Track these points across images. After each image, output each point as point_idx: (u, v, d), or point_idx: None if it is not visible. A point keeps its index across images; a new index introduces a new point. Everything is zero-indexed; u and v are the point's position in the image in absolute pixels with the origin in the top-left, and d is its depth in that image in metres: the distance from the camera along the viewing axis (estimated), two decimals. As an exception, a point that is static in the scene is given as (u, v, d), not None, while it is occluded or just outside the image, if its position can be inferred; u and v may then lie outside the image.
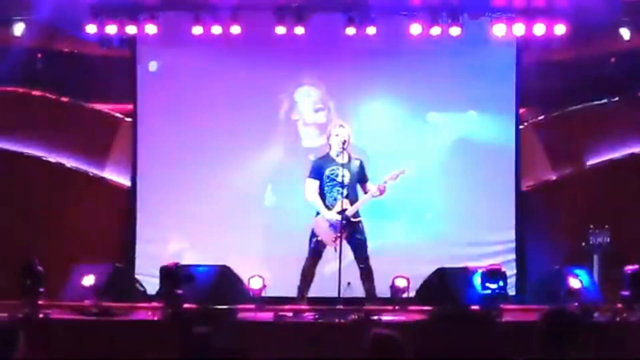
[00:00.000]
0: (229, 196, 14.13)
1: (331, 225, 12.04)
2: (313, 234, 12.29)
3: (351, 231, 12.12)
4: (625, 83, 14.06)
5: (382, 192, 12.02)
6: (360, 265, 12.25)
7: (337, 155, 12.03)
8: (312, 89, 14.23)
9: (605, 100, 14.32)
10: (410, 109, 14.29)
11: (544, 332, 5.94)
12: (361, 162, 12.27)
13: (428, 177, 14.11)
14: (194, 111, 14.25)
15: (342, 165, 11.94)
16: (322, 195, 12.14)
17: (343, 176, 11.89)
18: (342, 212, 11.91)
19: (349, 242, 12.21)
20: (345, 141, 11.97)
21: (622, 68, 14.13)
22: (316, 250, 12.24)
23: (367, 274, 12.22)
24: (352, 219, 12.00)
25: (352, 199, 12.05)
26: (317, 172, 12.18)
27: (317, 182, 12.14)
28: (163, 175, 14.21)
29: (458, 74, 14.19)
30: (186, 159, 14.17)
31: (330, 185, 12.07)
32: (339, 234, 11.88)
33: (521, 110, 14.33)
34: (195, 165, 14.18)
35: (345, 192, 11.91)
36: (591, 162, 14.31)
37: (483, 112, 14.28)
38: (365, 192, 12.17)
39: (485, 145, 14.24)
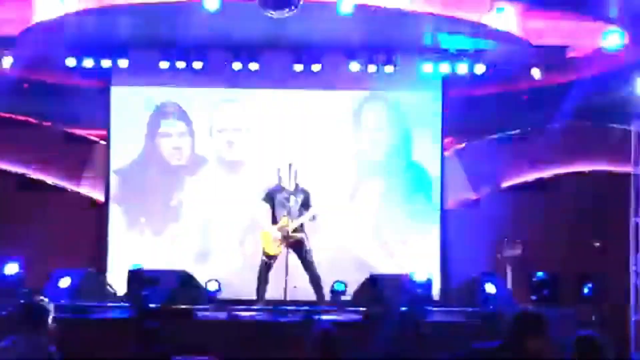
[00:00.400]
0: (189, 211, 14.19)
1: (274, 238, 12.11)
2: (262, 247, 12.37)
3: (296, 245, 12.19)
4: (535, 116, 14.20)
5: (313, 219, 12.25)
6: (309, 274, 12.29)
7: (287, 186, 12.14)
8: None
9: (518, 131, 14.45)
10: (348, 135, 14.41)
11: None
12: (307, 193, 12.36)
13: (367, 196, 14.24)
14: (160, 135, 14.33)
15: (290, 193, 12.10)
16: (274, 216, 12.21)
17: (289, 201, 12.04)
18: (283, 228, 12.00)
19: (297, 254, 12.26)
20: (290, 175, 12.15)
21: (533, 103, 14.28)
22: (266, 260, 12.27)
23: (314, 281, 12.26)
24: (292, 234, 12.03)
25: (295, 219, 12.10)
26: (268, 197, 12.28)
27: (267, 205, 12.24)
28: (132, 192, 14.21)
29: (392, 106, 14.35)
30: (151, 177, 14.21)
31: (280, 208, 12.13)
32: (279, 245, 12.07)
33: (446, 140, 14.45)
34: (159, 182, 14.24)
35: (287, 212, 12.02)
36: (505, 184, 14.44)
37: (414, 140, 14.39)
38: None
39: (415, 169, 14.37)
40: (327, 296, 12.35)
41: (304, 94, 14.32)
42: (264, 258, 12.27)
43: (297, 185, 12.24)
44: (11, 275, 11.93)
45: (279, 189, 12.20)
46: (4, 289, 11.48)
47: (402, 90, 14.37)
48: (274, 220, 12.15)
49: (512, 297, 12.34)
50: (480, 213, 14.20)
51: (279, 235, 12.07)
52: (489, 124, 14.43)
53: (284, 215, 12.04)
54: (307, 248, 12.31)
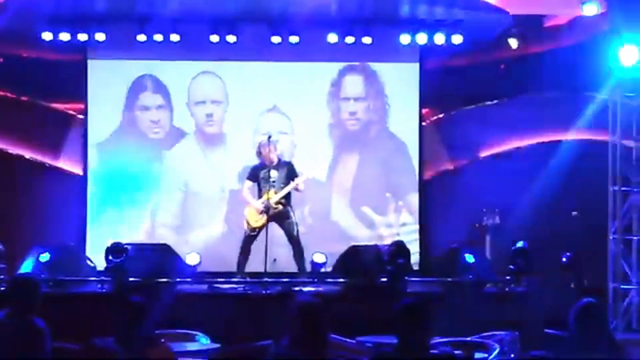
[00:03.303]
0: (169, 185, 14.10)
1: (257, 209, 12.09)
2: (245, 220, 12.32)
3: (280, 217, 12.22)
4: (512, 86, 14.15)
5: (298, 189, 12.24)
6: (293, 247, 12.31)
7: (269, 162, 12.17)
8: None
9: (496, 101, 14.38)
10: (326, 106, 14.33)
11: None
12: (290, 165, 12.37)
13: (345, 167, 14.18)
14: (138, 108, 14.21)
15: (272, 168, 12.12)
16: (260, 191, 12.22)
17: (271, 176, 12.07)
18: (266, 200, 12.00)
19: (281, 227, 12.31)
20: (271, 152, 12.19)
21: (511, 73, 14.22)
22: (249, 232, 12.26)
23: (298, 253, 12.27)
24: (275, 206, 11.99)
25: (279, 192, 12.11)
26: (252, 174, 12.36)
27: (251, 183, 12.36)
28: (111, 165, 14.07)
29: (370, 77, 14.28)
30: (130, 151, 14.09)
31: (264, 183, 12.15)
32: (261, 217, 12.06)
33: (424, 110, 14.38)
34: (137, 156, 14.11)
35: (270, 186, 12.05)
36: (483, 154, 14.38)
37: (392, 111, 14.33)
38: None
39: (393, 140, 14.31)
40: (308, 268, 12.30)
41: (282, 66, 14.19)
42: (247, 230, 12.28)
43: (279, 159, 12.26)
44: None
45: (261, 165, 12.22)
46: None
47: (380, 62, 14.28)
48: (261, 197, 12.17)
49: (491, 266, 12.33)
50: (459, 183, 14.14)
51: (261, 207, 12.06)
52: (467, 94, 14.35)
53: (268, 190, 12.02)
54: (292, 221, 12.29)
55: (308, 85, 14.25)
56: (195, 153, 14.22)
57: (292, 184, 12.12)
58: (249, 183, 12.40)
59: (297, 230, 12.32)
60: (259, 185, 12.25)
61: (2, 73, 13.96)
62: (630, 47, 11.22)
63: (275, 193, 12.04)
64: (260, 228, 12.08)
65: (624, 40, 11.23)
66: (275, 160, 12.21)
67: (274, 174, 12.08)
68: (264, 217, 12.02)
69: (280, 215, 12.18)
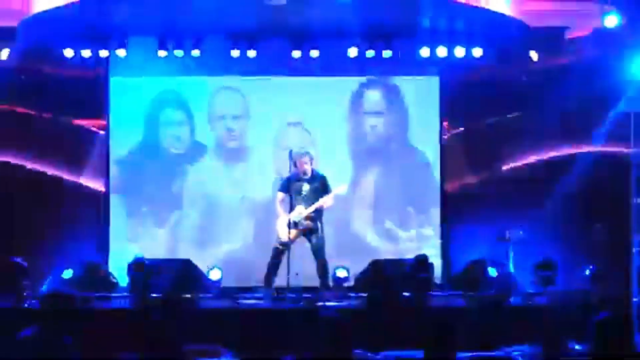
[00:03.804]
0: (190, 200, 14.13)
1: (286, 224, 12.06)
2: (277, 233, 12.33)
3: (309, 232, 12.21)
4: (534, 99, 14.12)
5: (326, 204, 12.19)
6: (317, 262, 12.25)
7: (303, 174, 12.15)
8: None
9: (517, 114, 14.34)
10: (347, 120, 14.40)
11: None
12: (323, 179, 12.32)
13: (367, 181, 14.19)
14: (159, 124, 14.28)
15: (305, 181, 12.15)
16: (291, 204, 12.15)
17: (303, 188, 12.10)
18: (295, 214, 12.04)
19: (309, 241, 12.29)
20: (305, 164, 12.19)
21: (532, 85, 14.18)
22: (278, 246, 12.21)
23: (322, 269, 12.22)
24: (305, 221, 12.00)
25: (308, 207, 12.10)
26: (284, 186, 12.32)
27: (283, 194, 12.30)
28: (132, 181, 14.14)
29: (390, 91, 14.30)
30: (152, 167, 14.15)
31: (296, 196, 12.12)
32: (291, 231, 12.00)
33: (445, 123, 14.38)
34: (159, 171, 14.18)
35: (301, 200, 12.11)
36: (506, 166, 14.33)
37: (413, 125, 14.34)
38: None
39: (414, 154, 14.31)
40: (331, 283, 12.30)
41: (302, 80, 14.23)
42: (277, 245, 12.21)
43: (312, 171, 12.22)
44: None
45: (294, 177, 12.18)
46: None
47: (400, 75, 14.30)
48: (292, 209, 12.13)
49: (514, 280, 12.31)
50: (481, 196, 14.11)
51: (290, 221, 12.00)
52: (488, 106, 14.32)
53: (299, 204, 12.03)
54: (319, 235, 12.24)
55: (329, 99, 14.24)
56: (216, 168, 14.26)
57: (318, 203, 12.07)
58: (280, 195, 12.35)
59: (323, 247, 12.27)
60: (290, 197, 12.22)
61: (25, 90, 14.00)
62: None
63: (305, 208, 12.05)
64: (290, 242, 12.06)
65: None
66: (309, 173, 12.20)
67: (305, 187, 12.10)
68: (294, 232, 12.01)
69: (310, 230, 12.17)
